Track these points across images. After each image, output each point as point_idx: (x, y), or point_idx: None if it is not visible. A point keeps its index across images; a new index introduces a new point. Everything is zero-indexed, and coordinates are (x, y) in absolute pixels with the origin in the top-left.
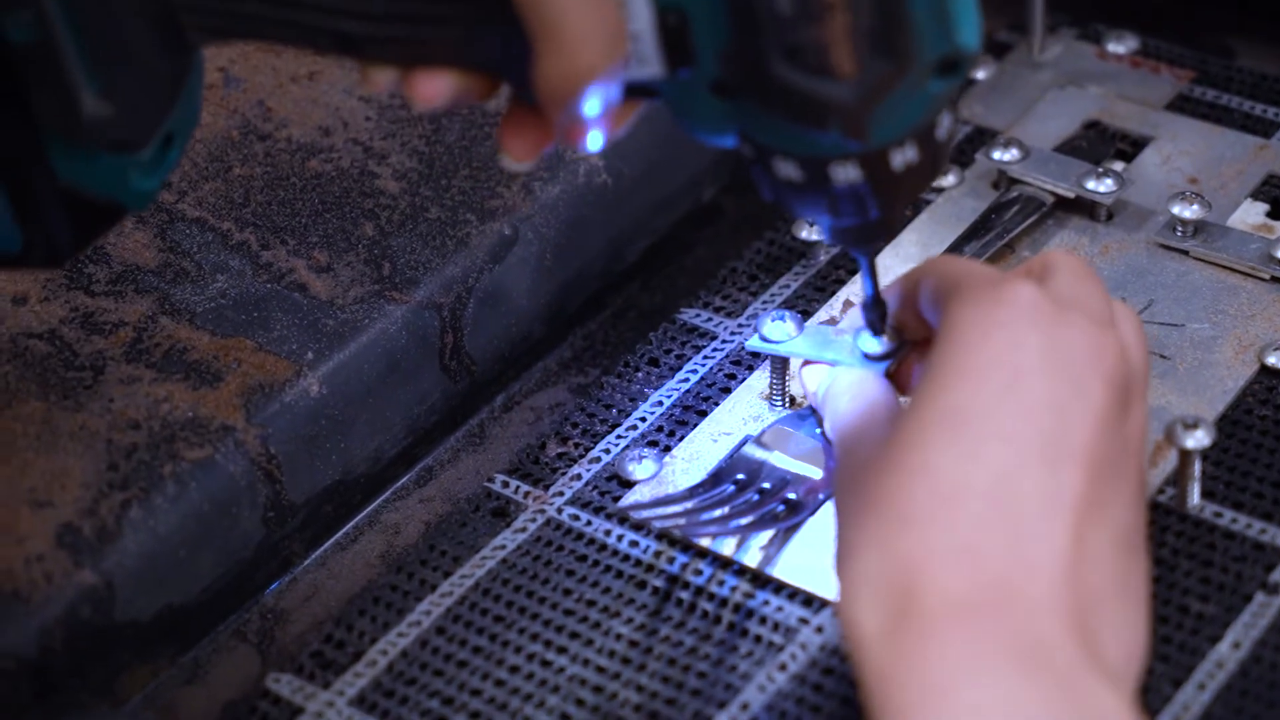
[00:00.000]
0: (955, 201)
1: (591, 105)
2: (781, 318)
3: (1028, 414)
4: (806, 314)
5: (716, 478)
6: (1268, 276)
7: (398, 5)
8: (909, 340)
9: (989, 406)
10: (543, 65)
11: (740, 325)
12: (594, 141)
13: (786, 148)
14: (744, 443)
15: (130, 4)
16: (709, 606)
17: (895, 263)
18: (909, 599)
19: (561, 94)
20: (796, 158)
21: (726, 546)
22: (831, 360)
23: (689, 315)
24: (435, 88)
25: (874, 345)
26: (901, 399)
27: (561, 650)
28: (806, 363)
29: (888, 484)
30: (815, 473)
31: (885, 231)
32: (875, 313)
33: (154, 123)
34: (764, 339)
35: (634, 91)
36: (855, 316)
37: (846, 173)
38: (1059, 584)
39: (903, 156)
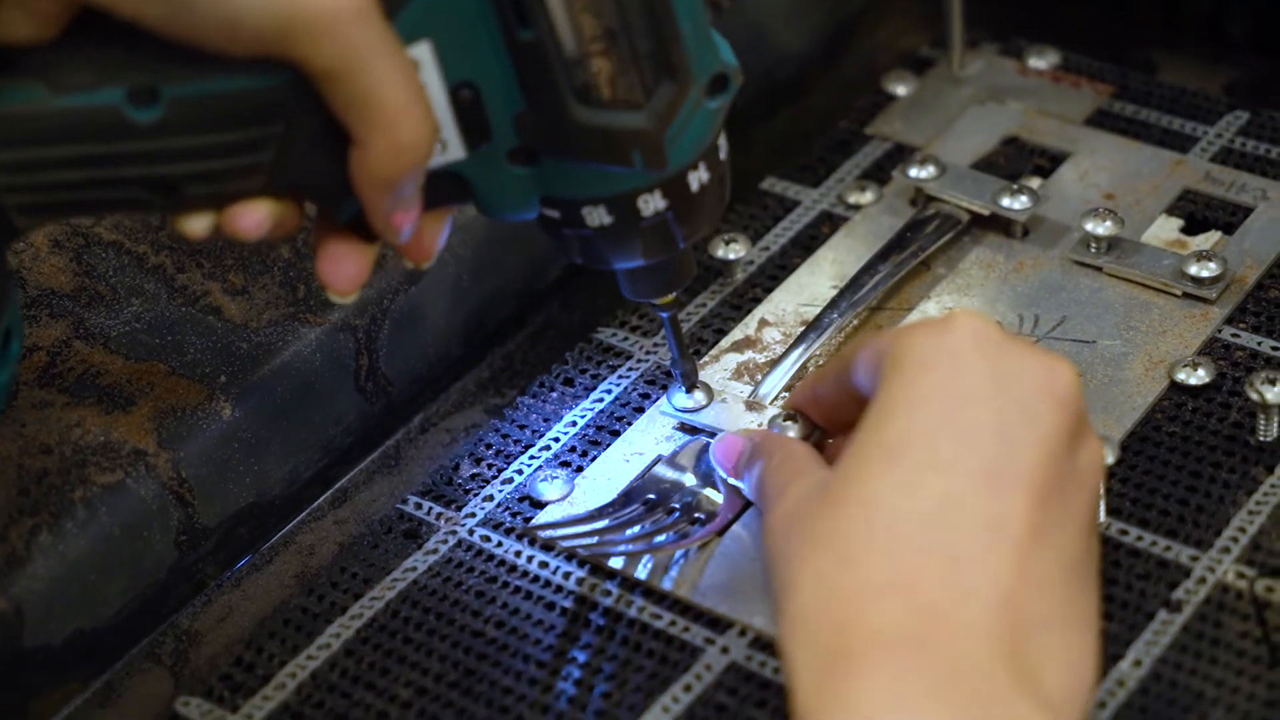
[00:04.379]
0: (873, 219)
1: (412, 189)
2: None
3: (970, 440)
4: (721, 332)
5: (627, 498)
6: (1180, 292)
7: (212, 137)
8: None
9: (929, 434)
10: (369, 148)
11: (655, 345)
12: (408, 232)
13: (593, 193)
14: (655, 462)
15: None
16: (616, 627)
17: (811, 280)
18: (841, 635)
19: (388, 176)
20: (604, 201)
21: (634, 567)
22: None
23: (605, 334)
24: (254, 218)
25: (686, 401)
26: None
27: (469, 672)
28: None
29: (827, 521)
30: (724, 493)
31: (686, 272)
32: (685, 368)
33: None
34: (675, 409)
35: (438, 190)
36: (769, 383)
37: (654, 203)
38: (992, 609)
39: (698, 178)
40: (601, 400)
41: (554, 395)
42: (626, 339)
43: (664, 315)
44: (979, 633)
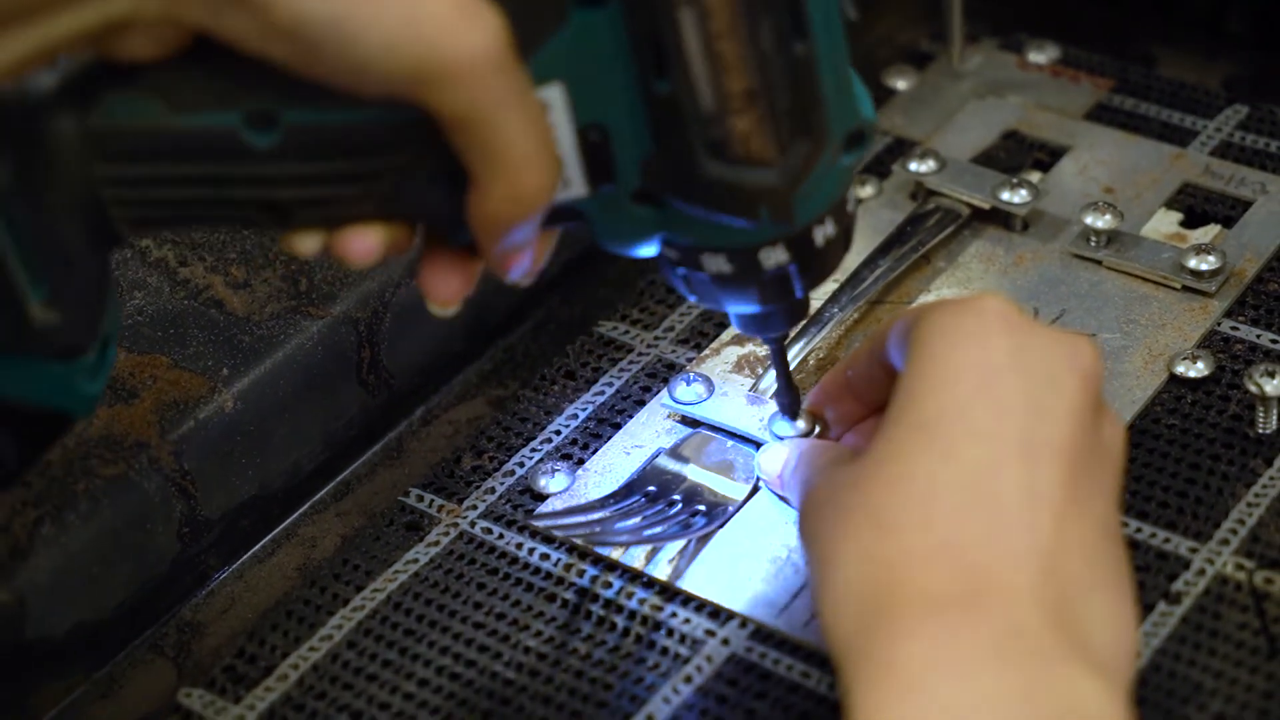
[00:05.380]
0: (873, 213)
1: (527, 232)
2: (692, 380)
3: (1002, 413)
4: (722, 325)
5: (628, 489)
6: (1179, 286)
7: (329, 165)
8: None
9: (962, 408)
10: (487, 194)
11: (656, 338)
12: (521, 271)
13: (715, 243)
14: (657, 455)
15: (64, 203)
16: (617, 619)
17: None
18: (886, 600)
19: (505, 221)
20: (725, 251)
21: (635, 559)
22: (743, 432)
23: (606, 328)
24: (366, 244)
25: (788, 429)
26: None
27: (470, 663)
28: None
29: (866, 497)
30: (727, 485)
31: (801, 312)
32: (788, 398)
33: (95, 324)
34: (675, 401)
35: (554, 217)
36: (769, 378)
37: (776, 256)
38: (1039, 574)
39: (824, 232)
40: (602, 393)
41: (555, 388)
42: (627, 332)
43: (772, 346)
44: (1026, 595)
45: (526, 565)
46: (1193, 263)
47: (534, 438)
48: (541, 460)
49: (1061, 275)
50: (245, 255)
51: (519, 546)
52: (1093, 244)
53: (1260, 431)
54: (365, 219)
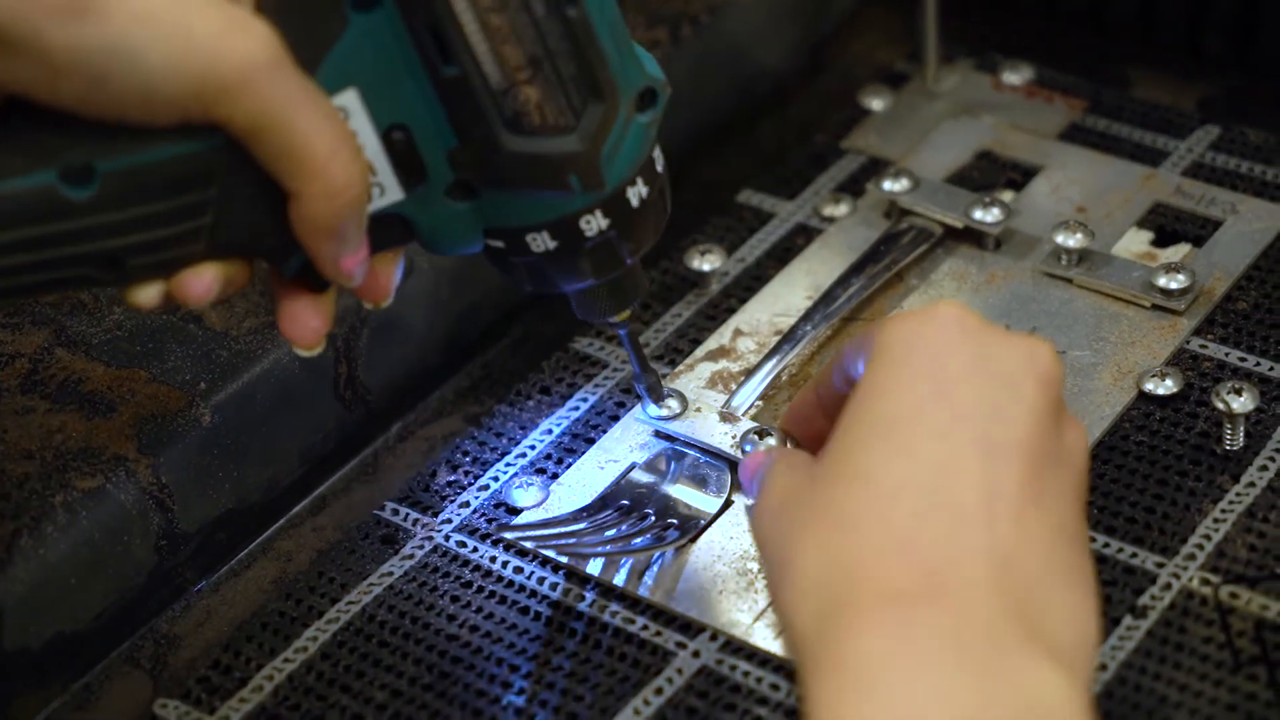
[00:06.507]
0: (847, 231)
1: (354, 231)
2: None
3: (961, 413)
4: (696, 342)
5: (602, 503)
6: (1149, 304)
7: (150, 207)
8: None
9: (920, 408)
10: (304, 198)
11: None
12: (359, 277)
13: (534, 220)
14: (630, 469)
15: None
16: (588, 631)
17: (786, 291)
18: (844, 594)
19: (326, 222)
20: (546, 226)
21: (607, 572)
22: (716, 447)
23: (581, 344)
24: (204, 284)
25: (657, 411)
26: None
27: (444, 675)
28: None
29: (823, 495)
30: (699, 499)
31: (637, 288)
32: (649, 380)
33: None
34: (649, 416)
35: (383, 232)
36: (742, 394)
37: (596, 223)
38: (997, 569)
39: (638, 193)
40: (577, 409)
41: (530, 404)
42: (603, 348)
43: (622, 332)
44: (984, 590)
45: (500, 579)
46: (1162, 281)
47: (509, 452)
48: (516, 474)
49: (1033, 293)
50: None
51: (493, 560)
52: (1064, 262)
53: (1227, 448)
54: (198, 260)
